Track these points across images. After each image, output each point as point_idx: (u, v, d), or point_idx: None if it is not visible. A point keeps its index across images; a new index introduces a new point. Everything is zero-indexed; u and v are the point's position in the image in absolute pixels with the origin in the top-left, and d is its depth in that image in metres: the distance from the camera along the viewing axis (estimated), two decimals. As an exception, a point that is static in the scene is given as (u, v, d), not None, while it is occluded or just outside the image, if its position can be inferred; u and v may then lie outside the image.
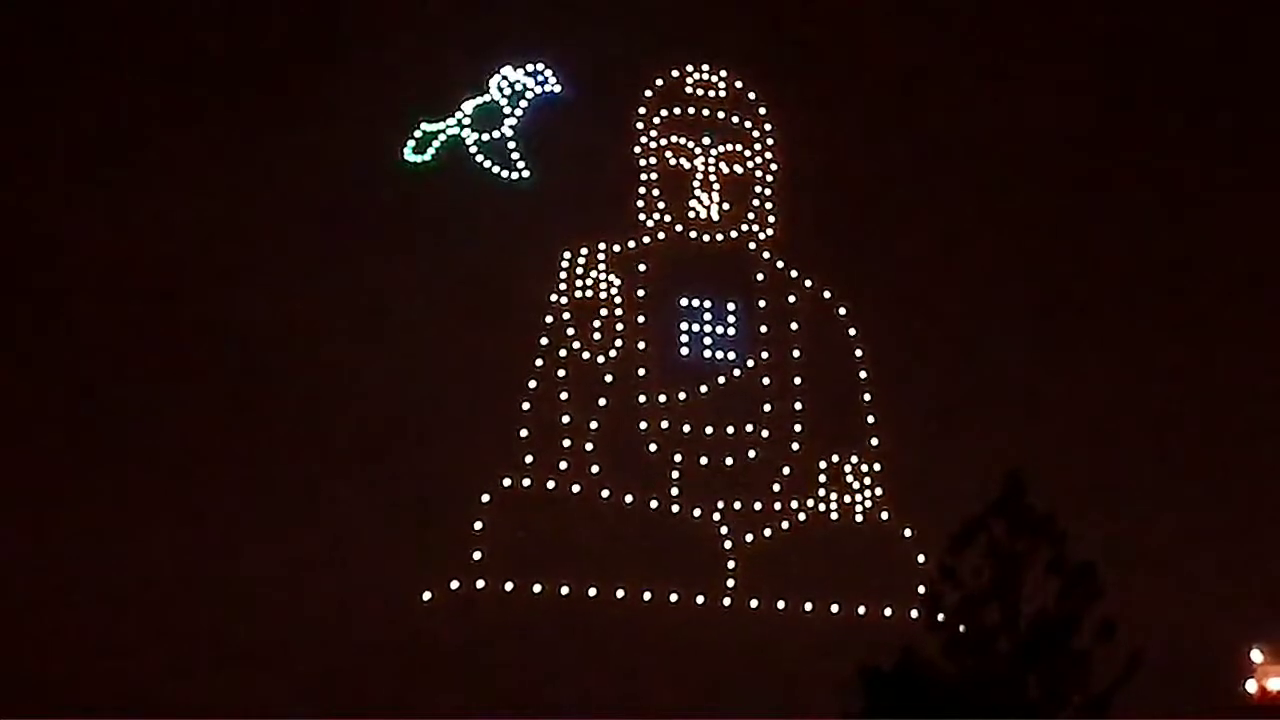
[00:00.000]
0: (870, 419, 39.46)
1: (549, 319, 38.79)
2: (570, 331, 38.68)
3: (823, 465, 38.66)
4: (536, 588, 35.08)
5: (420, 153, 40.43)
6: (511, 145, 40.92)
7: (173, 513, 34.75)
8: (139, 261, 37.69)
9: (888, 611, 36.03)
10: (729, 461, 38.03)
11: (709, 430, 38.24)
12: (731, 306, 39.77)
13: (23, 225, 37.59)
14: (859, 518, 38.27)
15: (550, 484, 36.81)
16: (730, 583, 36.40)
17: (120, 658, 31.92)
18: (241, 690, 31.42)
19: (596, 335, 38.56)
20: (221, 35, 40.37)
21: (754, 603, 36.12)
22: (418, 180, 40.04)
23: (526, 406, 37.87)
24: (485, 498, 36.24)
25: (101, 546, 33.35)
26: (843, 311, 40.43)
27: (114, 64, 39.64)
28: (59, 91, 39.16)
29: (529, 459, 37.14)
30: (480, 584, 35.16)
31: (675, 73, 41.84)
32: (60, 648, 32.02)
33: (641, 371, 38.55)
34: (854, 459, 38.86)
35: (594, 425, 37.72)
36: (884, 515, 38.32)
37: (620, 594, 35.41)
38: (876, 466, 38.87)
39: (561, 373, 38.31)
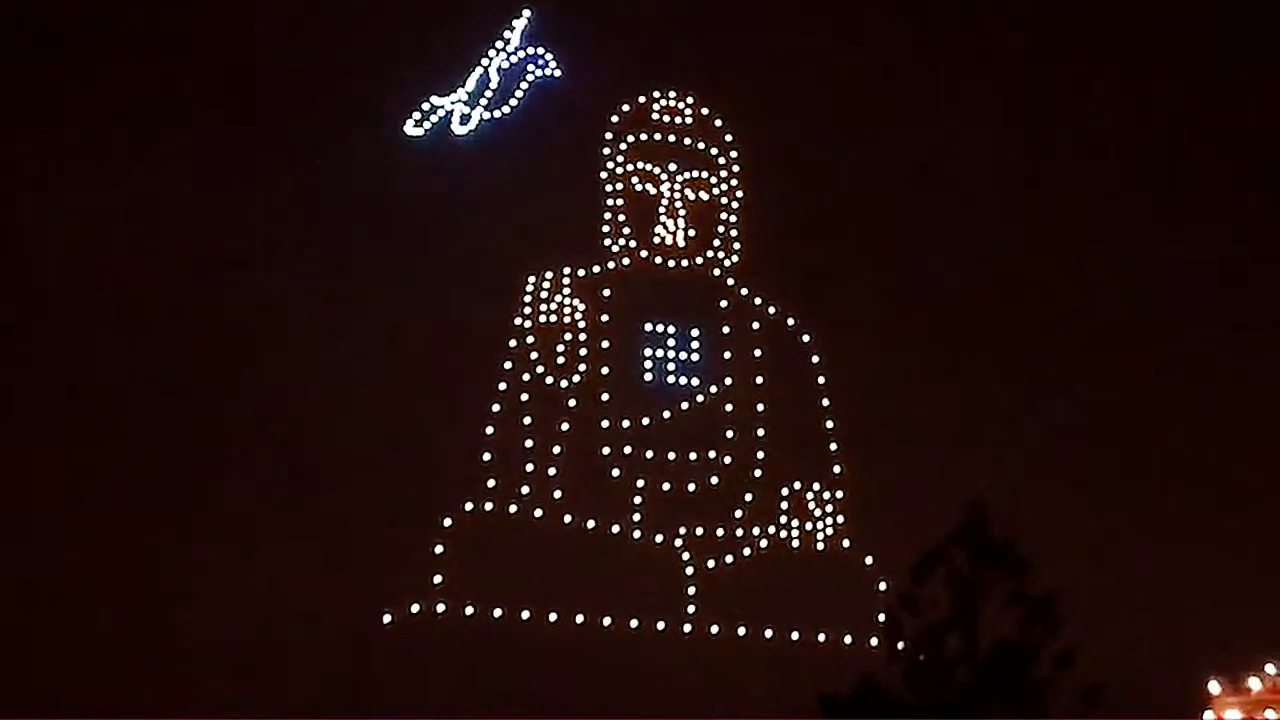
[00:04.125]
0: (833, 447, 39.50)
1: (513, 343, 38.75)
2: (534, 356, 38.62)
3: (785, 492, 38.68)
4: (497, 612, 34.92)
5: (419, 126, 40.60)
6: (485, 115, 40.96)
7: (130, 522, 34.62)
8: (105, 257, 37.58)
9: (847, 639, 35.98)
10: (691, 487, 37.99)
11: (671, 456, 38.20)
12: (695, 332, 39.76)
13: (19, 225, 37.50)
14: (820, 545, 38.32)
15: (512, 508, 36.70)
16: (691, 609, 36.30)
17: (81, 660, 31.87)
18: (201, 700, 31.37)
19: (560, 360, 38.52)
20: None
21: (714, 629, 36.05)
22: (382, 201, 39.96)
23: (489, 430, 37.78)
24: (447, 521, 36.10)
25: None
26: (806, 339, 40.49)
27: (109, 58, 39.53)
28: (55, 87, 39.06)
29: (491, 483, 37.03)
30: (440, 608, 34.98)
31: (641, 98, 41.90)
32: (27, 650, 31.89)
33: (605, 396, 38.50)
34: (816, 486, 38.89)
35: (557, 450, 37.65)
36: (845, 543, 38.36)
37: (580, 619, 35.29)
38: (839, 494, 38.90)
39: (525, 397, 38.24)
